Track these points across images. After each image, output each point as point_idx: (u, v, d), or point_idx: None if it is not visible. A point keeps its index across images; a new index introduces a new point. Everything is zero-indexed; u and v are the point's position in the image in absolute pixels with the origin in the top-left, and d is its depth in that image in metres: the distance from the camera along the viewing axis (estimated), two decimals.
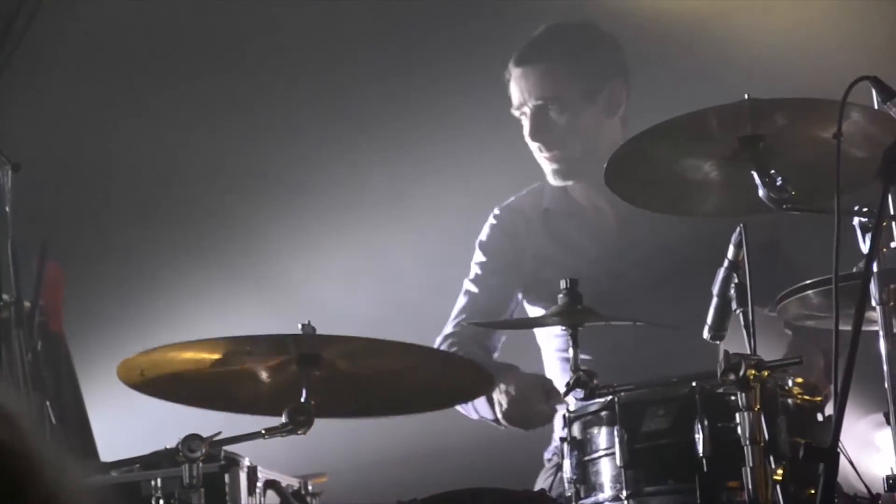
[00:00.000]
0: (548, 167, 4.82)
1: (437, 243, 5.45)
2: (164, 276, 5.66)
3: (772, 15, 5.33)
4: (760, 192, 3.30)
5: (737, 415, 3.24)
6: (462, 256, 5.02)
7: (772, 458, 3.24)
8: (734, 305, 3.55)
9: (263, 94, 5.74)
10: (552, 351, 4.79)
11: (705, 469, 3.32)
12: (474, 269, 4.93)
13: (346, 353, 3.57)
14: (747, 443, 3.22)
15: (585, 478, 3.47)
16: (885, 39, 5.05)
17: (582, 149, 4.76)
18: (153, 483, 3.62)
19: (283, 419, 3.52)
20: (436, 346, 4.76)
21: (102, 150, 5.70)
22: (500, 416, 4.40)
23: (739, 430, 3.23)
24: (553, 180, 4.83)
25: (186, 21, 5.71)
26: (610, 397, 3.46)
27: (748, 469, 3.22)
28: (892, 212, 3.14)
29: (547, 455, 4.69)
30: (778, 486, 3.22)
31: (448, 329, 4.83)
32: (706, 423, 3.32)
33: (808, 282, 3.44)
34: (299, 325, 3.54)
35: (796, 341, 4.36)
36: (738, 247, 3.56)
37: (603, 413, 3.47)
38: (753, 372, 3.21)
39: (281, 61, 5.75)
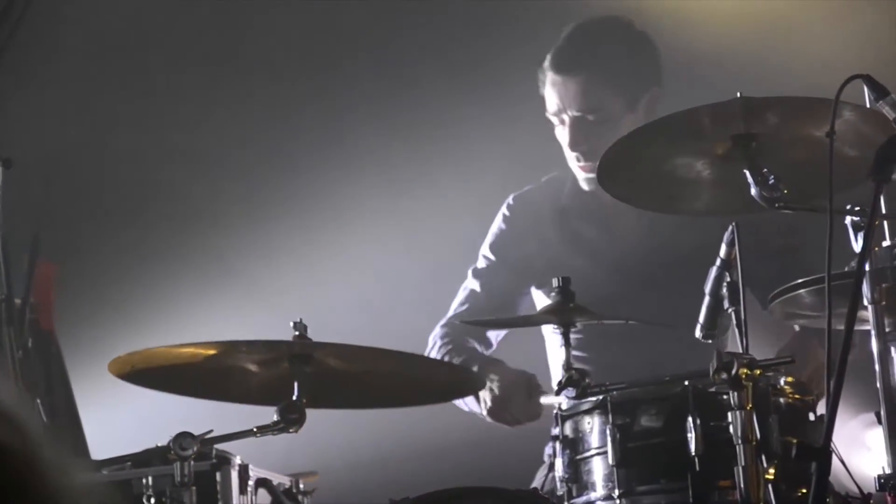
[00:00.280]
0: (581, 175, 4.70)
1: (436, 243, 5.44)
2: (157, 274, 5.64)
3: (764, 13, 5.33)
4: (753, 191, 3.29)
5: (729, 414, 3.24)
6: (461, 256, 4.99)
7: (764, 457, 3.25)
8: (726, 304, 3.54)
9: (260, 93, 5.72)
10: (556, 347, 4.76)
11: (697, 468, 3.31)
12: (481, 262, 4.86)
13: (338, 354, 3.58)
14: (739, 442, 3.22)
15: (577, 476, 3.47)
16: (878, 38, 5.05)
17: None
18: (144, 481, 3.62)
19: (275, 417, 3.51)
20: (433, 335, 4.73)
21: (94, 147, 5.69)
22: (485, 412, 4.39)
23: (731, 429, 3.23)
24: (585, 186, 4.71)
25: (181, 19, 5.70)
26: (602, 396, 3.45)
27: (740, 468, 3.22)
28: (884, 211, 3.14)
29: (548, 451, 4.66)
30: (770, 485, 3.22)
31: (444, 320, 4.79)
32: (698, 421, 3.31)
33: (799, 280, 3.44)
34: (291, 324, 3.54)
35: (802, 335, 4.32)
36: (731, 245, 3.55)
37: (595, 412, 3.46)
38: (745, 371, 3.21)
39: (278, 60, 5.73)
